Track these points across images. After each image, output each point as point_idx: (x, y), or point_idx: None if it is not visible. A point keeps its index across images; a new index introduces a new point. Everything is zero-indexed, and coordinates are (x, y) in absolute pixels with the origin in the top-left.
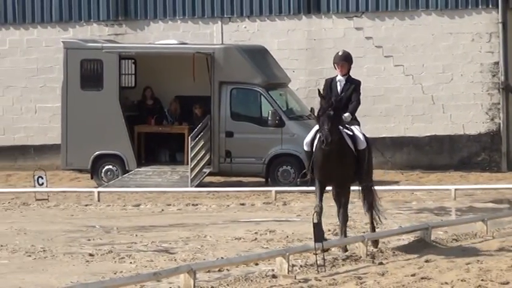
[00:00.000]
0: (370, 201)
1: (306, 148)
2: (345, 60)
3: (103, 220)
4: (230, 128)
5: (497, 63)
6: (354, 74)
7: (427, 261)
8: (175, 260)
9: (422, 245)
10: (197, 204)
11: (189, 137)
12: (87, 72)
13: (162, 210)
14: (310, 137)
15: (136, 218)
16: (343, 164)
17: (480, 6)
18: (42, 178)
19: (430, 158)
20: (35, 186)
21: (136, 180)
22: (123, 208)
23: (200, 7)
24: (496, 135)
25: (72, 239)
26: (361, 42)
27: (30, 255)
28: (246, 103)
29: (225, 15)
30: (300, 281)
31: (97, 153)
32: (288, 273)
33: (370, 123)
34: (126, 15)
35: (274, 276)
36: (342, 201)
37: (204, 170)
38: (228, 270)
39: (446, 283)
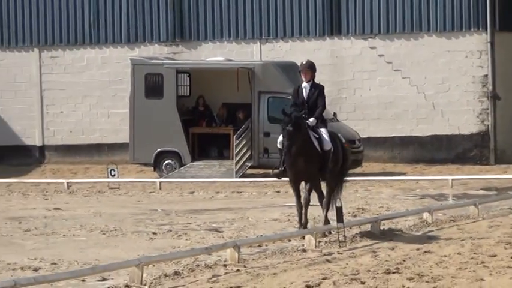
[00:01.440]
0: (337, 197)
1: (279, 146)
2: (308, 68)
3: (164, 205)
4: (267, 129)
5: (486, 75)
6: (368, 85)
7: (429, 238)
8: (223, 237)
9: (425, 225)
10: (241, 192)
11: (234, 137)
12: (151, 84)
13: (212, 196)
14: (282, 137)
15: (191, 203)
16: (309, 164)
17: (472, 29)
18: (114, 170)
19: (431, 153)
20: (108, 177)
21: (191, 172)
22: (180, 195)
23: (243, 30)
24: (485, 135)
25: (139, 220)
26: (374, 59)
27: (104, 234)
28: (281, 109)
29: (263, 37)
30: (325, 254)
31: (159, 150)
32: (315, 248)
33: (382, 125)
34: (182, 37)
35: (304, 251)
36: (317, 193)
37: (246, 163)
38: (266, 245)
39: (445, 256)
